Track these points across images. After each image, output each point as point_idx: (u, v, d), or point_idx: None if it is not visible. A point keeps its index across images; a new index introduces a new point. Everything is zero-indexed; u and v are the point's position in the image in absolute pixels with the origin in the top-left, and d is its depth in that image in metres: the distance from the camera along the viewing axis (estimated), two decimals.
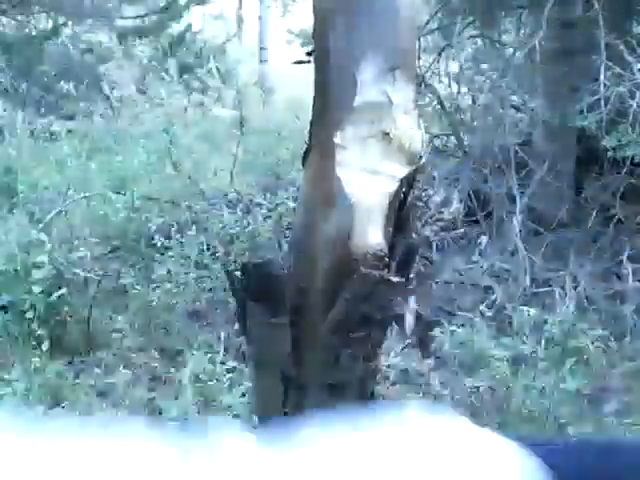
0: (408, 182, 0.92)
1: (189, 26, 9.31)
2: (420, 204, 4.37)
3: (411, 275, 0.94)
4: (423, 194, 4.50)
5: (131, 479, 0.53)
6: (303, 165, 0.94)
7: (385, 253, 0.92)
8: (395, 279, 0.91)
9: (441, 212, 4.23)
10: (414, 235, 0.94)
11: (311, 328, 1.03)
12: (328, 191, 0.92)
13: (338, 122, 0.85)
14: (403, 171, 0.92)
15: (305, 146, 0.95)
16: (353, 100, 0.84)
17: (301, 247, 1.02)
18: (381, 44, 0.84)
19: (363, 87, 0.86)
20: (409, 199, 0.95)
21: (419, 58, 4.51)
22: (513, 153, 4.04)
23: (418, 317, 3.21)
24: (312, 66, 1.03)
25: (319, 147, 0.93)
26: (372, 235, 0.92)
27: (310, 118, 0.91)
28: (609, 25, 3.82)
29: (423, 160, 0.93)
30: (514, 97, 4.87)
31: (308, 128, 0.92)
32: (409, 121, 0.89)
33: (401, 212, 0.94)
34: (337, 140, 0.87)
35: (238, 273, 1.10)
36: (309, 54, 0.87)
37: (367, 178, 0.90)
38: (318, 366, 1.06)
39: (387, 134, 0.87)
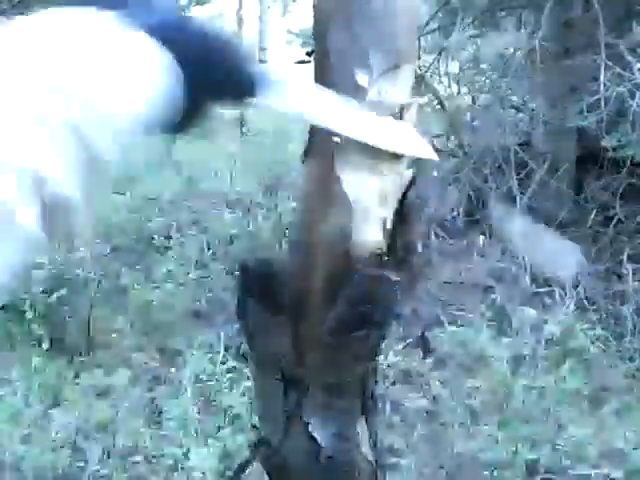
0: (407, 181, 0.92)
1: None
2: (419, 203, 4.37)
3: (411, 274, 0.94)
4: (423, 193, 4.50)
5: None
6: (302, 164, 0.95)
7: (384, 252, 0.92)
8: (394, 278, 0.92)
9: (435, 207, 4.24)
10: (413, 234, 0.95)
11: (311, 327, 1.03)
12: (327, 190, 0.92)
13: None
14: (402, 170, 0.92)
15: (304, 145, 0.95)
16: (352, 100, 0.84)
17: (301, 246, 1.02)
18: (381, 44, 0.85)
19: (362, 87, 0.86)
20: (408, 198, 0.95)
21: (419, 58, 4.51)
22: (513, 153, 4.04)
23: (417, 316, 3.21)
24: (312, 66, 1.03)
25: (318, 146, 0.93)
26: (371, 234, 0.92)
27: None
28: (609, 25, 3.82)
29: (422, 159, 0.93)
30: (514, 97, 4.87)
31: (308, 127, 0.93)
32: (408, 120, 0.89)
33: (400, 211, 0.94)
34: (336, 139, 0.87)
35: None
36: (309, 54, 0.88)
37: (366, 177, 0.90)
38: (318, 365, 1.06)
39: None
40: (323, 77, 0.88)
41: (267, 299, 1.03)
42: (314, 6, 0.88)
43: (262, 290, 1.04)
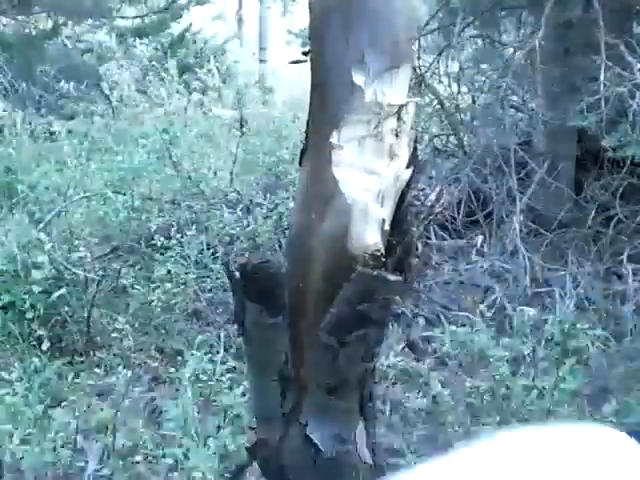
0: (405, 181, 0.92)
1: (189, 26, 9.31)
2: (417, 203, 4.37)
3: (409, 274, 0.94)
4: (420, 193, 4.50)
5: None
6: (300, 165, 0.94)
7: (382, 252, 0.92)
8: (392, 278, 0.91)
9: (432, 206, 4.23)
10: (411, 234, 0.94)
11: (309, 328, 1.02)
12: (325, 191, 0.92)
13: (334, 122, 0.85)
14: (400, 171, 0.92)
15: (302, 146, 0.95)
16: (349, 100, 0.84)
17: (298, 247, 1.02)
18: (377, 44, 0.84)
19: (359, 87, 0.86)
20: (406, 198, 0.95)
21: (419, 58, 4.51)
22: (513, 153, 4.03)
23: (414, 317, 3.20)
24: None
25: (316, 147, 0.93)
26: (369, 234, 0.92)
27: (307, 118, 0.92)
28: (609, 25, 3.81)
29: (420, 159, 0.93)
30: (514, 97, 4.86)
31: (305, 128, 0.93)
32: (406, 120, 0.89)
33: (398, 211, 0.94)
34: (333, 140, 0.87)
35: (237, 273, 1.10)
36: (305, 54, 0.87)
37: (364, 178, 0.90)
38: (316, 366, 1.05)
39: (384, 134, 0.87)
40: (319, 77, 0.87)
41: (265, 300, 1.03)
42: (310, 5, 0.88)
43: (260, 291, 1.03)
